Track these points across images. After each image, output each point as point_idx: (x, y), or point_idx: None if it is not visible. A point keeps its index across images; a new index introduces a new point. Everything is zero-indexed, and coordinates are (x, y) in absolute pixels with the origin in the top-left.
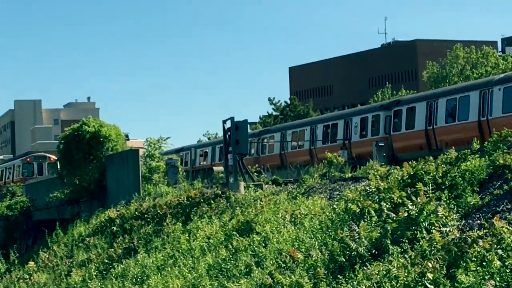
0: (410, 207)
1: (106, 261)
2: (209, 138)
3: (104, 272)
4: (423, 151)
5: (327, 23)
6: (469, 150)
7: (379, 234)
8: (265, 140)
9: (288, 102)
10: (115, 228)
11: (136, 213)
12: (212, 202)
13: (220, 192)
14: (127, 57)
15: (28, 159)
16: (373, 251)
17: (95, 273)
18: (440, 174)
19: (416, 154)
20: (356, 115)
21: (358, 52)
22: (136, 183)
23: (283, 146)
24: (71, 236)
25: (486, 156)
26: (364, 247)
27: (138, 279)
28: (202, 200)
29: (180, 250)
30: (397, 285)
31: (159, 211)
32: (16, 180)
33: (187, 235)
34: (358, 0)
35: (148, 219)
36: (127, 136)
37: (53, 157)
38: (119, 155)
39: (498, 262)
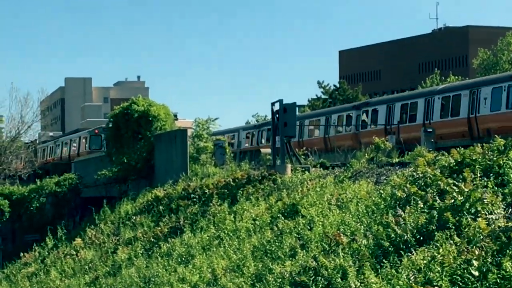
0: (456, 194)
1: (152, 239)
2: (257, 121)
3: (150, 251)
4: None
5: (378, 7)
6: None
7: (425, 220)
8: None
9: (337, 85)
10: (161, 207)
11: (183, 193)
12: (259, 184)
13: (267, 174)
14: (178, 37)
15: (96, 131)
16: (419, 237)
17: (141, 252)
18: (488, 162)
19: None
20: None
21: (408, 37)
22: (184, 163)
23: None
24: (118, 214)
25: None
26: (409, 233)
27: (184, 259)
28: (248, 182)
29: (226, 231)
30: (443, 272)
31: (206, 191)
32: (82, 153)
33: (233, 216)
34: None
35: (195, 199)
36: (175, 116)
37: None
38: (168, 135)
39: None
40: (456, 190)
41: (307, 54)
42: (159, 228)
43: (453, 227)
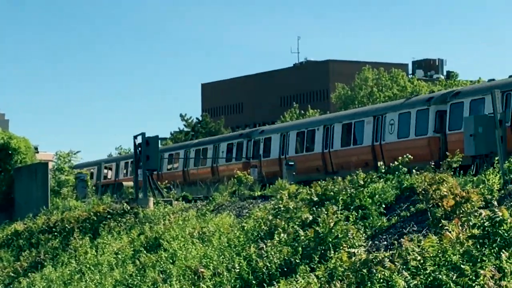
0: (319, 226)
1: (12, 274)
2: (119, 153)
3: (9, 286)
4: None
5: (241, 41)
6: (375, 173)
7: (288, 253)
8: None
9: (200, 118)
10: (21, 241)
11: (44, 226)
12: (121, 217)
13: (129, 207)
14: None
15: None
16: (283, 269)
17: (0, 287)
18: (349, 195)
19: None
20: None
21: (270, 71)
22: (45, 196)
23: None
24: None
25: (392, 178)
26: (273, 265)
27: None
28: (110, 215)
29: (88, 265)
30: None
31: (67, 225)
32: None
33: (94, 250)
34: (272, 20)
35: (56, 233)
36: (36, 148)
37: None
38: (28, 168)
39: (403, 283)
40: (320, 222)
41: (170, 87)
42: (19, 263)
43: (316, 259)
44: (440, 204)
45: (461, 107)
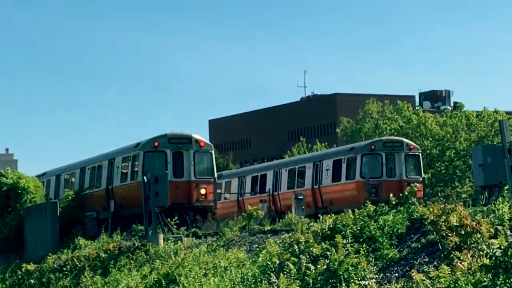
0: (329, 259)
1: None
2: None
3: None
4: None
5: (247, 76)
6: (386, 205)
7: (299, 287)
8: None
9: None
10: (32, 281)
11: (54, 266)
12: (131, 254)
13: (139, 244)
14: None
15: None
16: None
17: None
18: (359, 227)
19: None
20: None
21: (277, 106)
22: (55, 235)
23: None
24: None
25: (404, 211)
26: None
27: None
28: (120, 253)
29: None
30: None
31: (77, 263)
32: None
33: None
34: (278, 55)
35: (66, 272)
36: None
37: None
38: (38, 207)
39: None
40: (330, 255)
41: (178, 124)
42: None
43: None
44: (450, 234)
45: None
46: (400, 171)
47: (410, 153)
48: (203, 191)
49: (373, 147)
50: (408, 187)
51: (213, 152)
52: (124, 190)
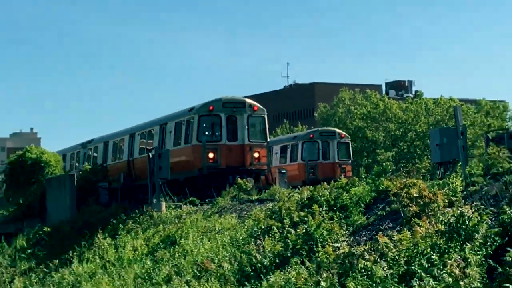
0: (307, 225)
1: (45, 270)
2: None
3: (43, 280)
4: None
5: (238, 68)
6: (357, 178)
7: (281, 248)
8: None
9: None
10: (53, 242)
11: (72, 228)
12: (138, 219)
13: (144, 210)
14: (65, 89)
15: None
16: (277, 261)
17: (35, 281)
18: (333, 197)
19: None
20: None
21: (265, 92)
22: (73, 203)
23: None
24: (14, 248)
25: (371, 184)
26: (268, 259)
27: (73, 285)
28: (128, 217)
29: (110, 261)
30: None
31: (91, 227)
32: None
33: (115, 248)
34: (265, 49)
35: (82, 234)
36: None
37: None
38: (58, 179)
39: (381, 272)
40: (308, 221)
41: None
42: (51, 260)
43: (305, 253)
44: (411, 204)
45: None
46: (333, 155)
47: (341, 141)
48: (256, 155)
49: (311, 136)
50: (339, 168)
51: (265, 116)
52: (177, 154)
